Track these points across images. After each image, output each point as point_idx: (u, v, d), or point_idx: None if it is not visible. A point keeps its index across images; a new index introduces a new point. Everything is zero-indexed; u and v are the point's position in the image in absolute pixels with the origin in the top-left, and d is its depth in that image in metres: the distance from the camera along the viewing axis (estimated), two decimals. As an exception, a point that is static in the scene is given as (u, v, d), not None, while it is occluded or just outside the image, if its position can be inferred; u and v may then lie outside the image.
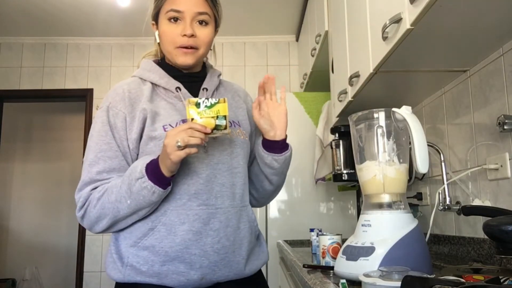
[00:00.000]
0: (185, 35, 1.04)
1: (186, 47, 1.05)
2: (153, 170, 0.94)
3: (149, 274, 0.98)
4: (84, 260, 3.60)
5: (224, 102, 0.96)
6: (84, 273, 3.58)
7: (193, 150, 0.92)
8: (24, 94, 3.85)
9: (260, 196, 1.24)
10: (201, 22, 1.07)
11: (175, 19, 1.06)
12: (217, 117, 0.94)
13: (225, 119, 0.95)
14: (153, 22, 1.14)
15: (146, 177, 0.94)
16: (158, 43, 1.12)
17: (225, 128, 0.95)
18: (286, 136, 1.13)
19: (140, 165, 0.96)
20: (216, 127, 0.94)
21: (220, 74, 1.21)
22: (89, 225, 1.02)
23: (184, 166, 1.01)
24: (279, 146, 1.12)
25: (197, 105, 0.95)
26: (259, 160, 1.15)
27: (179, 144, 0.89)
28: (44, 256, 4.94)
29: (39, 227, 5.01)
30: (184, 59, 1.07)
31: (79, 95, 3.86)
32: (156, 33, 1.12)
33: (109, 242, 1.08)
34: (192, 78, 1.13)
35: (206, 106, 0.95)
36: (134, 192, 0.95)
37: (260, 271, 1.16)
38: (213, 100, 0.95)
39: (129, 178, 0.96)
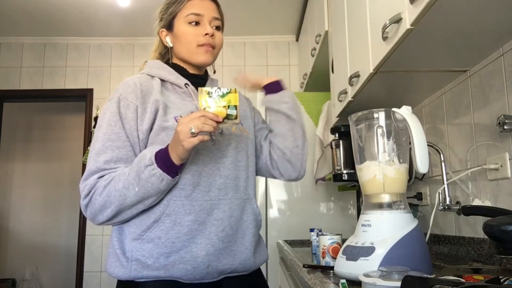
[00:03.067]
0: (207, 34, 1.12)
1: (208, 45, 1.13)
2: (162, 158, 0.95)
3: (155, 267, 0.98)
4: (84, 260, 3.60)
5: (235, 92, 0.98)
6: (84, 273, 3.58)
7: (206, 137, 0.94)
8: (24, 94, 3.85)
9: (292, 147, 1.21)
10: (216, 27, 1.16)
11: (196, 23, 1.13)
12: (229, 106, 0.96)
13: (236, 108, 0.97)
14: (163, 29, 1.18)
15: (155, 164, 0.95)
16: (170, 47, 1.18)
17: (236, 117, 0.97)
18: (280, 80, 1.25)
19: (149, 153, 0.97)
20: (227, 117, 0.96)
21: (217, 81, 1.27)
22: (93, 214, 1.01)
23: (188, 158, 1.02)
24: (279, 86, 1.23)
25: (210, 94, 0.96)
26: (272, 105, 1.22)
27: (192, 130, 0.91)
28: (44, 256, 4.94)
29: (39, 227, 5.01)
30: (205, 57, 1.14)
31: (79, 95, 3.86)
32: (167, 38, 1.18)
33: (109, 241, 1.08)
34: (197, 79, 1.18)
35: (218, 95, 0.97)
36: (143, 179, 0.95)
37: (259, 270, 1.17)
38: (225, 90, 0.97)
39: (137, 165, 0.96)
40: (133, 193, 0.96)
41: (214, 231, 1.02)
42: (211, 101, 0.96)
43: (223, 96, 0.97)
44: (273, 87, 1.23)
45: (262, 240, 1.20)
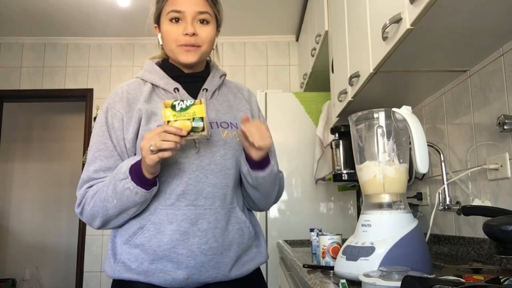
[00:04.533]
0: (186, 34, 1.05)
1: (188, 45, 1.06)
2: (136, 171, 0.96)
3: (137, 272, 1.00)
4: (84, 260, 3.60)
5: (201, 103, 0.95)
6: (84, 273, 3.58)
7: (166, 153, 0.92)
8: (24, 94, 3.85)
9: (250, 205, 1.19)
10: (202, 21, 1.08)
11: (176, 20, 1.07)
12: (193, 119, 0.94)
13: (202, 121, 0.94)
14: (155, 25, 1.15)
15: (129, 178, 0.95)
16: (161, 44, 1.13)
17: (203, 130, 0.94)
18: (267, 156, 1.07)
19: (125, 166, 0.98)
20: (193, 129, 0.94)
21: (223, 75, 1.20)
22: (87, 221, 1.06)
23: (174, 166, 1.02)
24: (256, 163, 1.06)
25: (173, 107, 0.94)
26: (252, 175, 1.08)
27: (151, 148, 0.90)
28: (44, 256, 4.94)
29: (39, 227, 5.01)
30: (186, 57, 1.07)
31: (79, 95, 3.86)
32: (159, 35, 1.13)
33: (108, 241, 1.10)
34: (194, 79, 1.14)
35: (181, 108, 0.94)
36: (119, 193, 0.97)
37: (258, 271, 1.15)
38: (188, 102, 0.94)
39: (114, 178, 0.98)
40: (112, 205, 0.98)
41: (197, 243, 0.99)
42: (175, 115, 0.93)
43: (186, 108, 0.93)
44: (259, 162, 1.06)
45: (260, 243, 1.15)
